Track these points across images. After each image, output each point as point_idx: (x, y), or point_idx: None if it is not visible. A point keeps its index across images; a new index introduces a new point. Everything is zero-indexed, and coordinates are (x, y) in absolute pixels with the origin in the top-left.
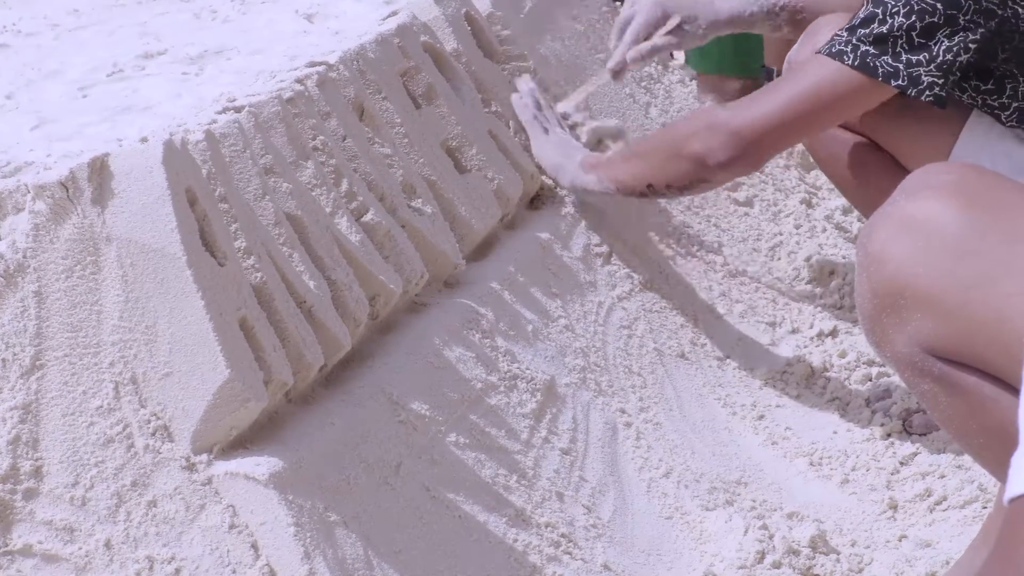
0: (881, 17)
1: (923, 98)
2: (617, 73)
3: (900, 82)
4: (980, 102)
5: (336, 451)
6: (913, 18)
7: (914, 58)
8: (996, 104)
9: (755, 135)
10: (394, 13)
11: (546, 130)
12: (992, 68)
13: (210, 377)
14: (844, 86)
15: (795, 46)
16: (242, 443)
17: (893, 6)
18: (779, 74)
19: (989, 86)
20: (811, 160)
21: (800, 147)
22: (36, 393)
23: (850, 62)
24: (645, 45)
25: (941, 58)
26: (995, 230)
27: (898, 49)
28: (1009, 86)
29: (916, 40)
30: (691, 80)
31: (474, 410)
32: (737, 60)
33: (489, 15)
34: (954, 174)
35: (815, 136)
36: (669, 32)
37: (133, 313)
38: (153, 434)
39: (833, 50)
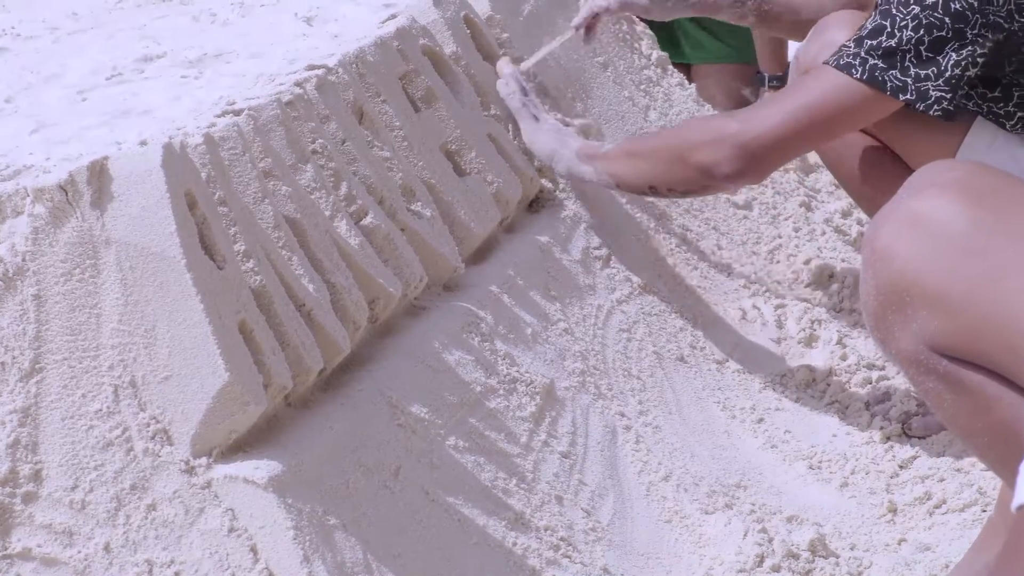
0: (890, 30)
1: (931, 113)
2: (582, 28)
3: (908, 96)
4: (986, 109)
5: (335, 455)
6: (921, 32)
7: (922, 72)
8: (1002, 112)
9: (762, 148)
10: (393, 16)
11: (536, 117)
12: (999, 77)
13: (209, 381)
14: (852, 99)
15: (802, 44)
16: (241, 447)
17: (902, 19)
18: (772, 79)
19: (996, 94)
20: (810, 163)
21: None
22: (35, 396)
23: (859, 75)
24: None
25: (949, 72)
26: (1001, 227)
27: (907, 63)
28: (1016, 94)
29: (924, 54)
30: (690, 84)
31: (473, 413)
32: (730, 47)
33: (488, 18)
34: (960, 171)
35: (821, 147)
36: None
37: (132, 316)
38: (152, 437)
39: (841, 62)
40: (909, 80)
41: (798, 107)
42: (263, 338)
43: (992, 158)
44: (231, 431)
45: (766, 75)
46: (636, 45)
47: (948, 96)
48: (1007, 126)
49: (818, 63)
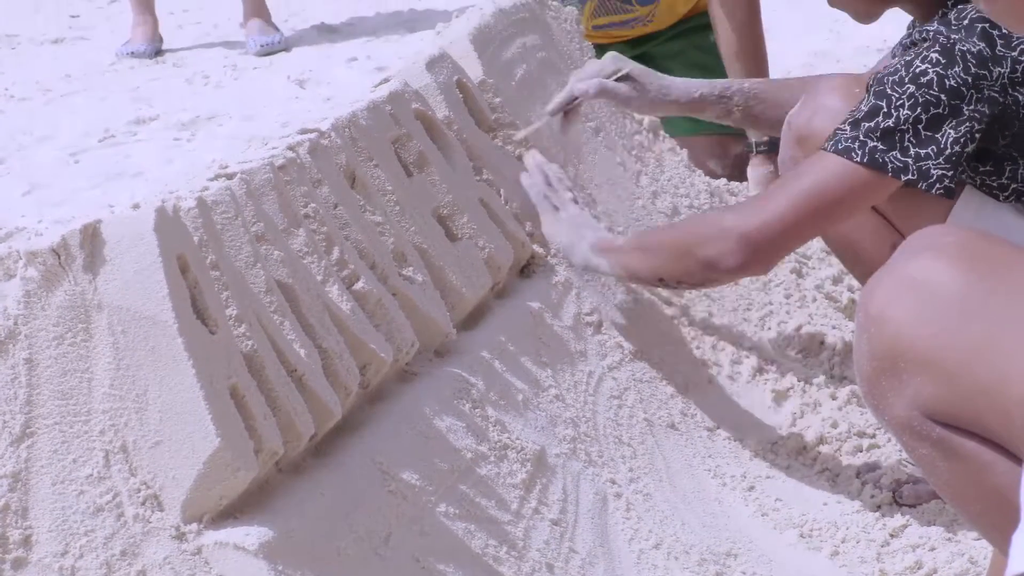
0: (886, 110)
1: (934, 192)
2: (561, 115)
3: (910, 176)
4: (978, 182)
5: (326, 521)
6: (918, 111)
7: (922, 151)
8: (995, 184)
9: (765, 239)
10: (386, 80)
11: (556, 208)
12: (992, 150)
13: (200, 446)
14: (853, 183)
15: (795, 109)
16: (232, 512)
17: (898, 99)
18: (759, 144)
19: (988, 167)
20: None
21: None
22: (26, 461)
23: (859, 159)
24: (594, 80)
25: (950, 150)
26: (996, 293)
27: (906, 143)
28: (1008, 168)
29: (923, 133)
30: (681, 149)
31: (464, 480)
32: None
33: (481, 83)
34: (955, 236)
35: (826, 233)
36: (621, 81)
37: (124, 381)
38: (143, 503)
39: (840, 147)
40: (910, 160)
41: (799, 195)
42: (254, 403)
43: (982, 224)
44: (222, 497)
45: (753, 141)
46: (627, 110)
47: (950, 174)
48: (1000, 197)
49: (812, 128)
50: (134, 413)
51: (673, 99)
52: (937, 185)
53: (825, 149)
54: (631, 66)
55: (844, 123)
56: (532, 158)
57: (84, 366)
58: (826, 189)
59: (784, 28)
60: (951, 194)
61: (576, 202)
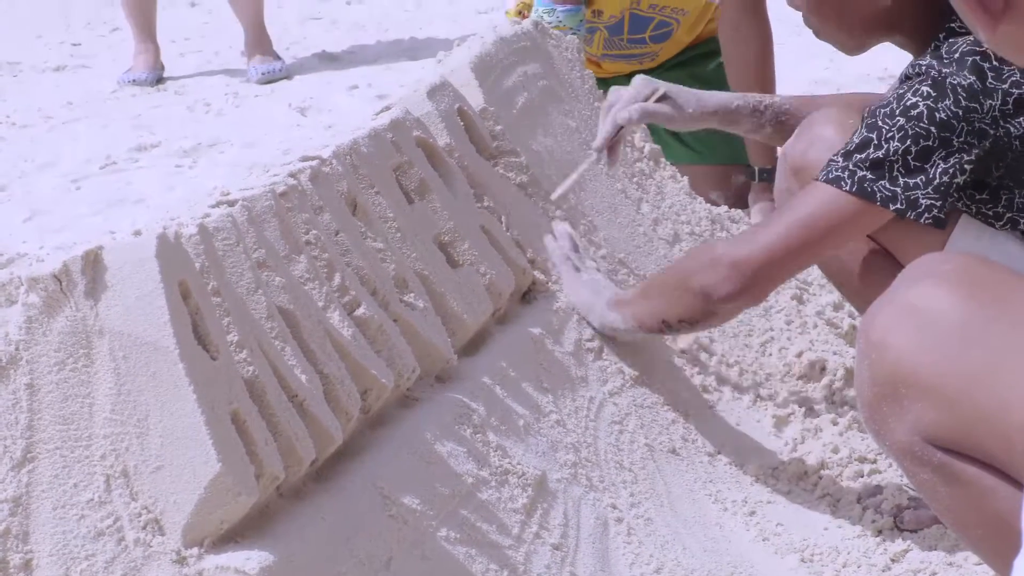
0: (877, 142)
1: (922, 221)
2: (605, 151)
3: (899, 206)
4: (975, 210)
5: (327, 546)
6: (908, 143)
7: (911, 181)
8: (991, 213)
9: (757, 267)
10: (387, 108)
11: (577, 268)
12: (987, 181)
13: (201, 471)
14: (843, 211)
15: (790, 140)
16: (233, 537)
17: (888, 131)
18: (763, 172)
19: (984, 196)
20: None
21: None
22: (27, 486)
23: (848, 188)
24: (637, 105)
25: (938, 180)
26: (997, 319)
27: (895, 173)
28: (1004, 197)
29: (912, 164)
30: (682, 176)
31: (465, 505)
32: (695, 152)
33: (482, 110)
34: (956, 263)
35: (817, 262)
36: (659, 101)
37: (125, 406)
38: (144, 527)
39: (830, 176)
40: (899, 189)
41: (790, 223)
42: (255, 428)
43: (980, 252)
44: (223, 521)
45: (756, 168)
46: (628, 137)
47: (938, 204)
48: (996, 225)
49: (807, 159)
50: (135, 438)
51: (712, 111)
52: (926, 215)
53: (817, 179)
54: (664, 86)
55: (837, 154)
56: (561, 227)
57: (85, 391)
58: (816, 217)
59: (784, 55)
60: (940, 224)
61: (599, 271)
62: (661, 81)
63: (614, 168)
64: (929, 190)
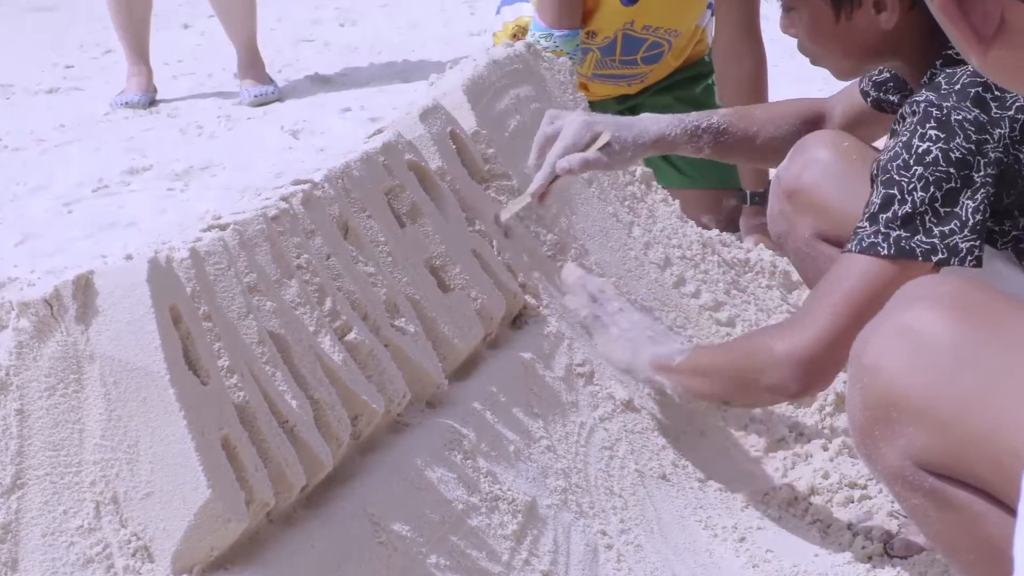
0: (900, 197)
1: (967, 265)
2: (543, 196)
3: (941, 256)
4: None
5: (317, 572)
6: (932, 189)
7: (946, 228)
8: (995, 230)
9: (819, 359)
10: (379, 131)
11: (604, 323)
12: (995, 208)
13: (191, 497)
14: (886, 278)
15: (784, 164)
16: (223, 564)
17: (908, 183)
18: (755, 195)
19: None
20: (793, 280)
21: (781, 266)
22: (16, 512)
23: (886, 252)
24: (576, 156)
25: (972, 220)
26: (990, 343)
27: (928, 224)
28: (1008, 222)
29: (942, 211)
30: (674, 200)
31: (455, 531)
32: (686, 176)
33: (474, 133)
34: (949, 286)
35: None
36: (600, 149)
37: (115, 432)
38: (133, 554)
39: (864, 245)
40: (936, 240)
41: (837, 305)
42: (246, 454)
43: (976, 273)
44: (213, 548)
45: (748, 192)
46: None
47: (977, 243)
48: (998, 244)
49: (801, 182)
50: (125, 464)
51: (651, 143)
52: (968, 258)
53: (850, 250)
54: (605, 126)
55: (862, 220)
56: (571, 274)
57: (75, 417)
58: (863, 291)
59: (778, 77)
60: (980, 263)
61: (623, 310)
62: (601, 119)
63: (547, 210)
64: (966, 232)
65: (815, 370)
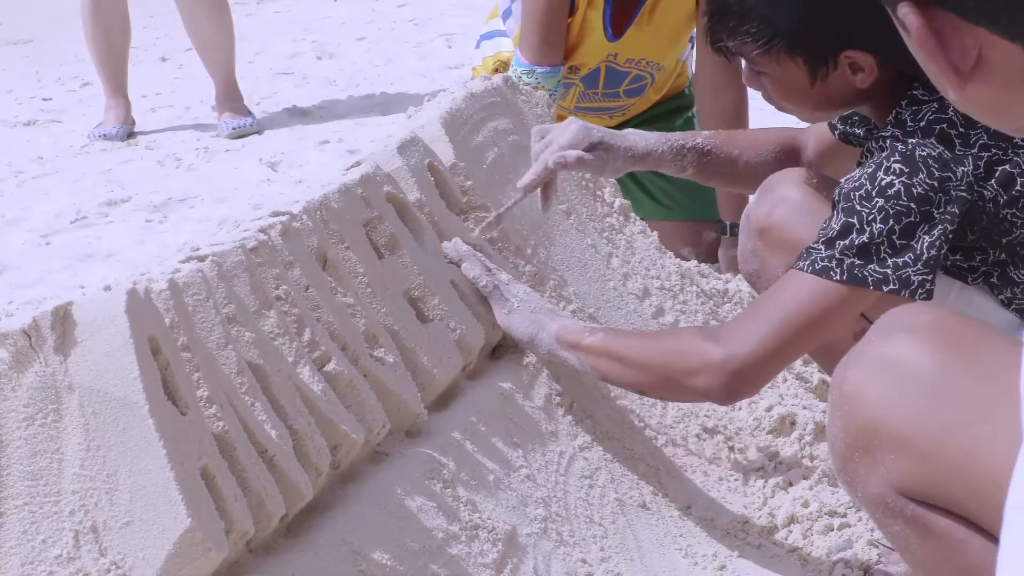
0: (859, 227)
1: (916, 297)
2: (544, 198)
3: (892, 287)
4: (948, 265)
5: None
6: (891, 222)
7: (899, 260)
8: (965, 267)
9: (752, 368)
10: (357, 163)
11: (505, 297)
12: (961, 245)
13: (171, 526)
14: (833, 302)
15: (753, 203)
16: None
17: (868, 214)
18: (734, 227)
19: (957, 257)
20: None
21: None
22: None
23: (838, 277)
24: (572, 152)
25: (927, 255)
26: (969, 372)
27: (883, 255)
28: (978, 257)
29: (898, 243)
30: (652, 231)
31: (435, 560)
32: (664, 207)
33: (452, 166)
34: (928, 315)
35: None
36: (592, 152)
37: (94, 462)
38: None
39: (817, 267)
40: (888, 271)
41: (780, 320)
42: (225, 484)
43: (949, 302)
44: None
45: (727, 224)
46: (599, 192)
47: (930, 278)
48: (969, 279)
49: (772, 219)
50: (104, 494)
51: (641, 156)
52: (919, 291)
53: (801, 269)
54: (602, 135)
55: (817, 242)
56: (455, 248)
57: (54, 447)
58: (808, 311)
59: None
60: (931, 296)
61: (512, 282)
62: (598, 128)
63: (547, 212)
64: (919, 266)
65: (747, 381)
